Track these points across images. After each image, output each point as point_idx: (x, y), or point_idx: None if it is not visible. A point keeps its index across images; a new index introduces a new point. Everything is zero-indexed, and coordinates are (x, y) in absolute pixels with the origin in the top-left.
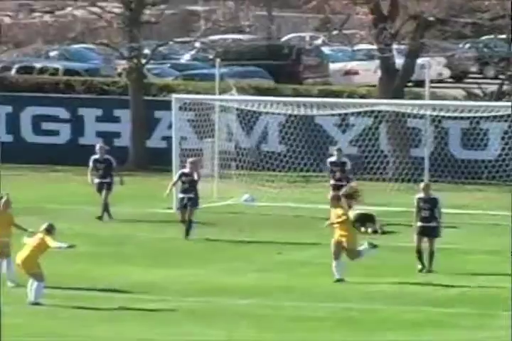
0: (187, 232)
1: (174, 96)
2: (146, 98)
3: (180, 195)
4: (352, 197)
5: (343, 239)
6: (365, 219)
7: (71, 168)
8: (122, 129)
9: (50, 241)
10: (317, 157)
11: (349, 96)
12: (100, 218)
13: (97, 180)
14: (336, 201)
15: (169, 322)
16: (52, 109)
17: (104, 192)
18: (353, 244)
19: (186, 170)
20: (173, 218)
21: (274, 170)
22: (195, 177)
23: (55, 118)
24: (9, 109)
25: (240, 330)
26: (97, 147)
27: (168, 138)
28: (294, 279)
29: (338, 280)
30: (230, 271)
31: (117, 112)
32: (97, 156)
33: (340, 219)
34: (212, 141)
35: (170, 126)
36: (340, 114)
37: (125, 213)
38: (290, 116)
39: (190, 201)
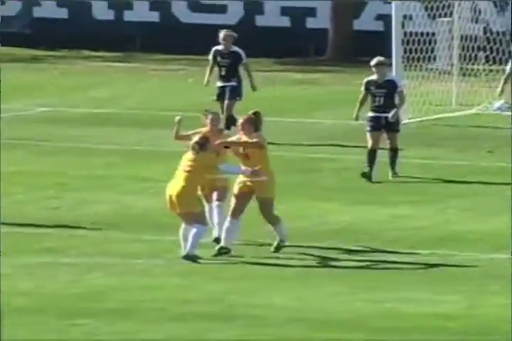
0: (392, 165)
1: None
2: None
3: (372, 114)
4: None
5: (254, 186)
6: None
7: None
8: (319, 5)
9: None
10: None
11: None
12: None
13: (218, 83)
14: (249, 125)
15: (385, 286)
16: None
17: (226, 102)
18: (270, 192)
19: (374, 77)
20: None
21: None
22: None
23: None
24: None
25: (487, 297)
26: (222, 34)
27: (384, 17)
28: None
29: (221, 249)
30: (470, 212)
31: None
32: (220, 47)
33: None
34: (449, 22)
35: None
36: None
37: (318, 127)
38: None
39: (388, 122)
